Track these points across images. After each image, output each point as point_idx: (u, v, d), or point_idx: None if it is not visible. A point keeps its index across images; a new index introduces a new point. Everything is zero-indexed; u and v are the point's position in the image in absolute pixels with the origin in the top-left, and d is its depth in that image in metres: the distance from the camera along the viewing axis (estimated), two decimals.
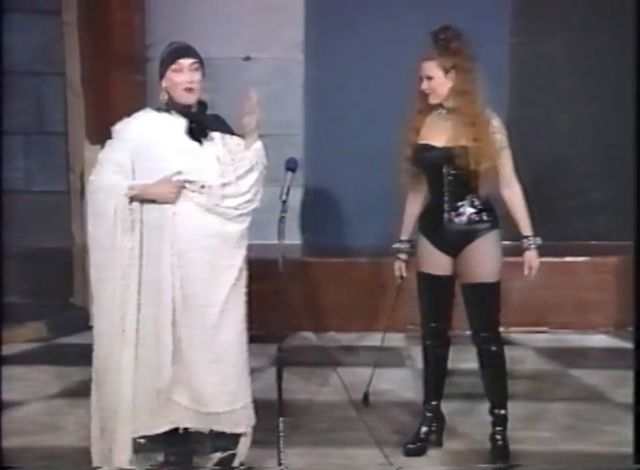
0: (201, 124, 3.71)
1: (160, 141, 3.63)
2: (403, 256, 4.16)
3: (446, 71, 3.90)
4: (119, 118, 3.73)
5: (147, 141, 3.63)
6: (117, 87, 6.98)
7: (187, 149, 3.67)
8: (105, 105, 6.79)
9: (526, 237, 3.97)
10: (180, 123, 3.67)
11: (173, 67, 3.65)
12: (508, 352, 4.04)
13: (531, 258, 3.96)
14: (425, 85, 3.95)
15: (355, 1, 7.44)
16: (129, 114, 3.76)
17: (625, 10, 5.63)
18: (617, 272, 6.63)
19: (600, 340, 6.57)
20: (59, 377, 5.41)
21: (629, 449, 3.89)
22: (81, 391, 5.10)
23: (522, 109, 7.00)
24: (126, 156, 3.61)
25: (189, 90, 3.66)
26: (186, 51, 3.70)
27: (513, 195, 3.97)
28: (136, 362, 3.60)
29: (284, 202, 3.64)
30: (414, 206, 4.13)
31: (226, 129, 3.80)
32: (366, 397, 4.53)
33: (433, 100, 3.97)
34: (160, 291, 3.58)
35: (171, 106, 3.68)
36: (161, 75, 3.69)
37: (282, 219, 3.63)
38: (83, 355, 6.24)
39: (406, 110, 4.07)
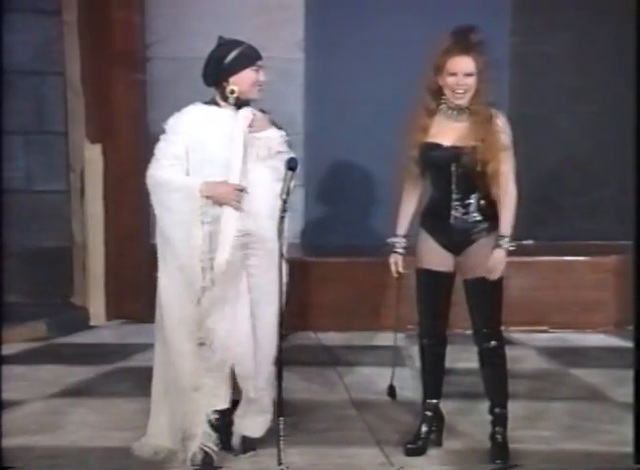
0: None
1: (210, 132, 3.82)
2: (400, 249, 4.10)
3: (479, 71, 3.86)
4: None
5: (198, 133, 3.82)
6: (117, 87, 6.96)
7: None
8: (105, 104, 6.77)
9: (502, 237, 3.93)
10: (229, 115, 3.86)
11: (254, 67, 3.87)
12: (508, 351, 4.05)
13: (500, 256, 3.89)
14: (463, 81, 3.83)
15: (355, 1, 7.44)
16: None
17: (625, 10, 5.65)
18: (617, 272, 6.63)
19: (600, 339, 6.56)
20: (59, 377, 5.40)
21: (629, 449, 3.90)
22: (81, 390, 5.12)
23: (522, 108, 6.99)
24: (182, 148, 3.82)
25: (261, 89, 3.92)
26: (259, 52, 3.92)
27: (506, 194, 3.93)
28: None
29: (284, 201, 3.64)
30: (411, 202, 4.10)
31: None
32: (391, 388, 4.27)
33: (463, 100, 3.87)
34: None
35: (237, 100, 3.86)
36: (233, 72, 3.84)
37: (282, 219, 3.63)
38: (83, 355, 6.25)
39: (410, 108, 4.04)
